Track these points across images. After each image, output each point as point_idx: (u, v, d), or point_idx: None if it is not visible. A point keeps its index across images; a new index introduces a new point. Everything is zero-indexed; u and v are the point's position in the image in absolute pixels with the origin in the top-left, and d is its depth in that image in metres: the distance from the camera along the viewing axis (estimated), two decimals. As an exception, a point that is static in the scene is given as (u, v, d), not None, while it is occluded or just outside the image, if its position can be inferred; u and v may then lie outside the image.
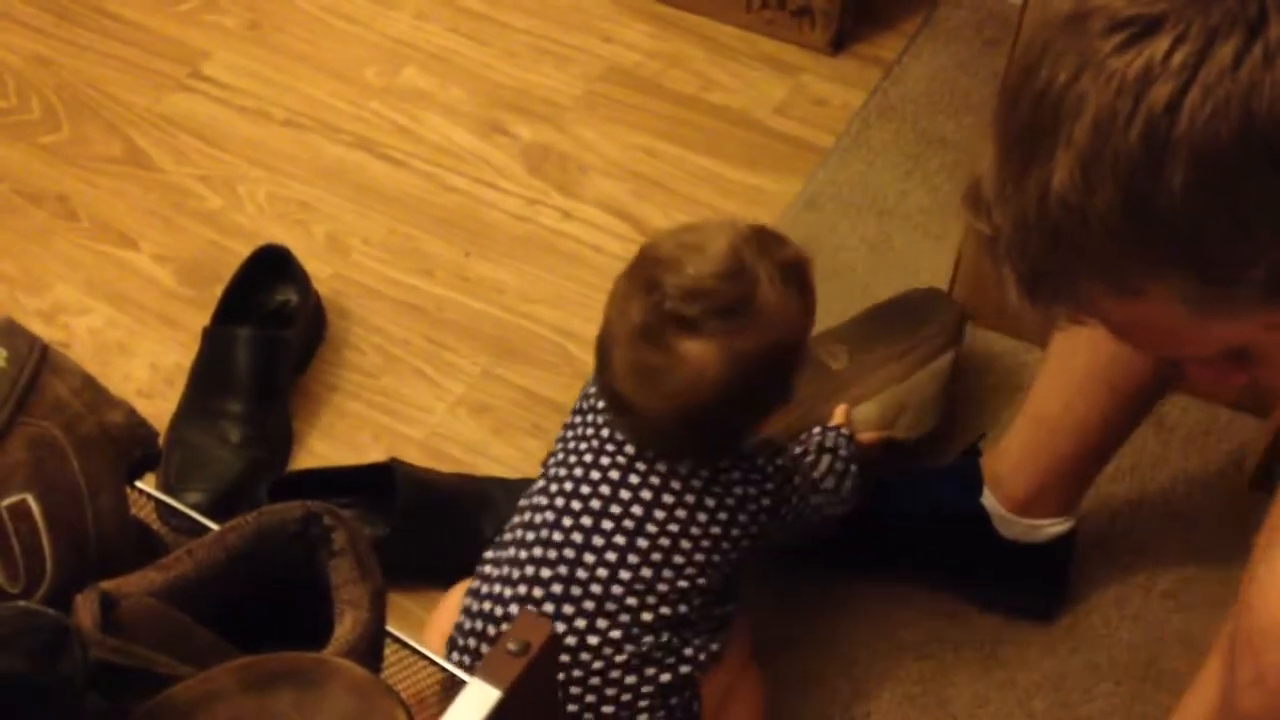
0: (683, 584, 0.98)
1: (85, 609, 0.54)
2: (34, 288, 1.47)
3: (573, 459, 1.02)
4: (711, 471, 1.01)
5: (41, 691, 0.49)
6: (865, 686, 1.20)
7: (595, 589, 0.95)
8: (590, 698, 0.92)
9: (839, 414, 1.20)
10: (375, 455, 1.32)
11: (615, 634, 0.94)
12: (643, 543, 0.97)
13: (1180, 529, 1.29)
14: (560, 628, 0.90)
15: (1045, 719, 1.18)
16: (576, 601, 0.94)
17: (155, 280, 1.48)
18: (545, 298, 1.47)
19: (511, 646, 0.54)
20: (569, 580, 0.96)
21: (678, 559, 0.98)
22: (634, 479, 1.00)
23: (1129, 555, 1.27)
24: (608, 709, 0.93)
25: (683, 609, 0.98)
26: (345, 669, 0.53)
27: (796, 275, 1.02)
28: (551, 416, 1.35)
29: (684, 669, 0.98)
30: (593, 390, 1.06)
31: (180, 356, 1.38)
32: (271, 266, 1.39)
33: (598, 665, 0.93)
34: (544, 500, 1.03)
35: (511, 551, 1.01)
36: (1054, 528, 1.18)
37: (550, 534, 0.99)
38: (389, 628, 0.63)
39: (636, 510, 0.98)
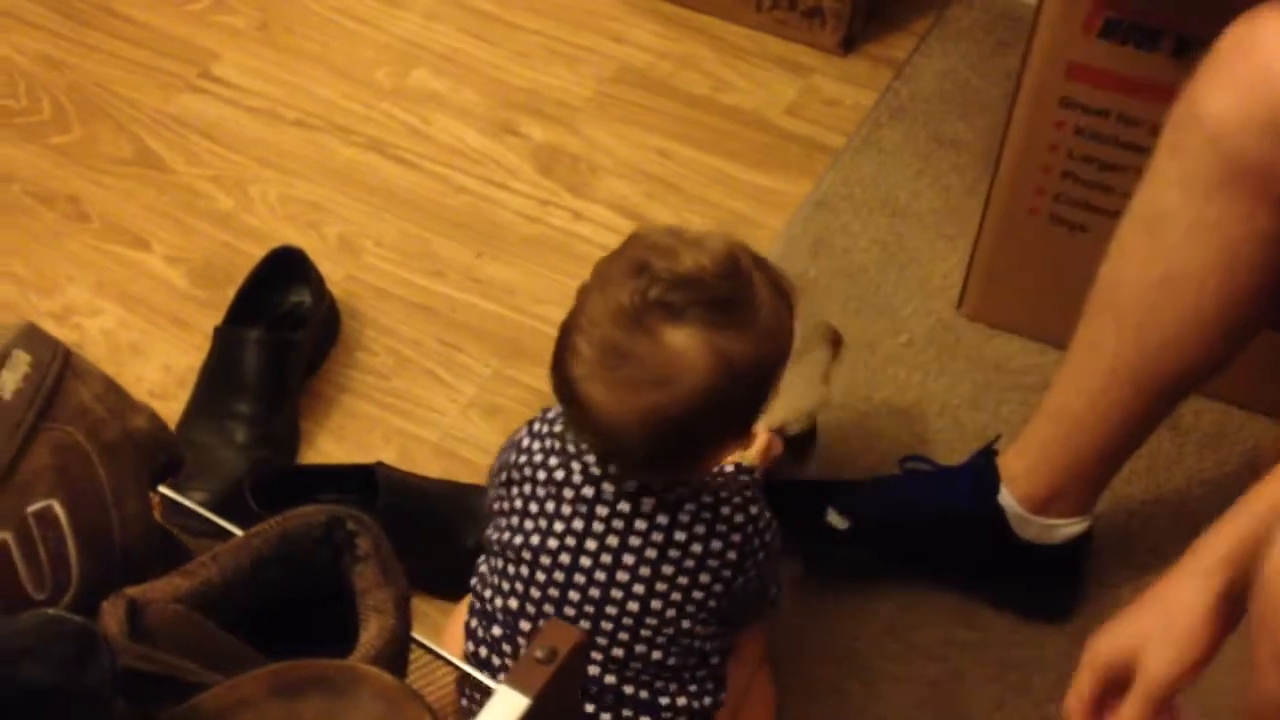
0: (656, 655, 0.91)
1: (112, 616, 0.54)
2: (45, 289, 1.47)
3: (529, 527, 0.94)
4: (671, 519, 0.94)
5: (69, 700, 0.48)
6: (878, 689, 1.20)
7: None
8: None
9: (759, 441, 1.12)
10: (386, 457, 1.32)
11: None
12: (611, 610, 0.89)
13: (1195, 530, 1.27)
14: None
15: (1024, 668, 1.18)
16: None
17: (167, 281, 1.48)
18: (557, 299, 1.46)
19: (539, 654, 0.54)
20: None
21: (645, 631, 0.91)
22: (591, 544, 0.92)
23: (1144, 555, 1.27)
24: None
25: (663, 673, 0.93)
26: (373, 676, 0.53)
27: (786, 296, 0.95)
28: (564, 418, 1.35)
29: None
30: (522, 459, 0.99)
31: (192, 358, 1.38)
32: (286, 268, 1.39)
33: None
34: (507, 586, 0.94)
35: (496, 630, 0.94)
36: (1070, 528, 1.18)
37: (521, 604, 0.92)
38: (414, 633, 0.63)
39: (600, 576, 0.91)
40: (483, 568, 1.02)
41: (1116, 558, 1.26)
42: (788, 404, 1.16)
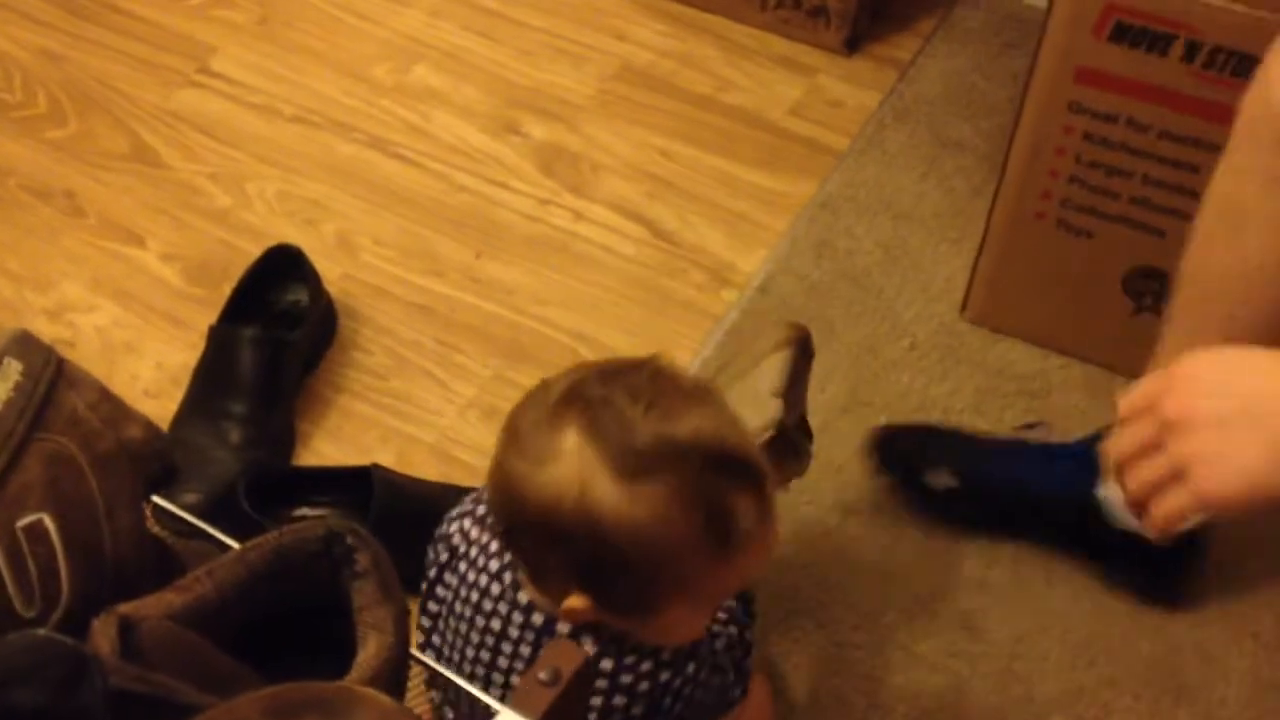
0: None
1: (103, 635, 0.52)
2: (40, 285, 1.45)
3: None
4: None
5: (61, 724, 0.47)
6: (879, 699, 1.19)
7: None
8: None
9: None
10: (383, 458, 1.30)
11: None
12: None
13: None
14: None
15: (1026, 680, 1.17)
16: None
17: (162, 279, 1.46)
18: (557, 300, 1.45)
19: (543, 676, 0.53)
20: None
21: None
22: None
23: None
24: None
25: None
26: (371, 699, 0.51)
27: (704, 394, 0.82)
28: (564, 421, 1.34)
29: None
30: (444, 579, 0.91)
31: (187, 356, 1.36)
32: (283, 266, 1.38)
33: None
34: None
35: None
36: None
37: None
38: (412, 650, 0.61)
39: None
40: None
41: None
42: (750, 416, 1.01)
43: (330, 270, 1.44)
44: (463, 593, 0.84)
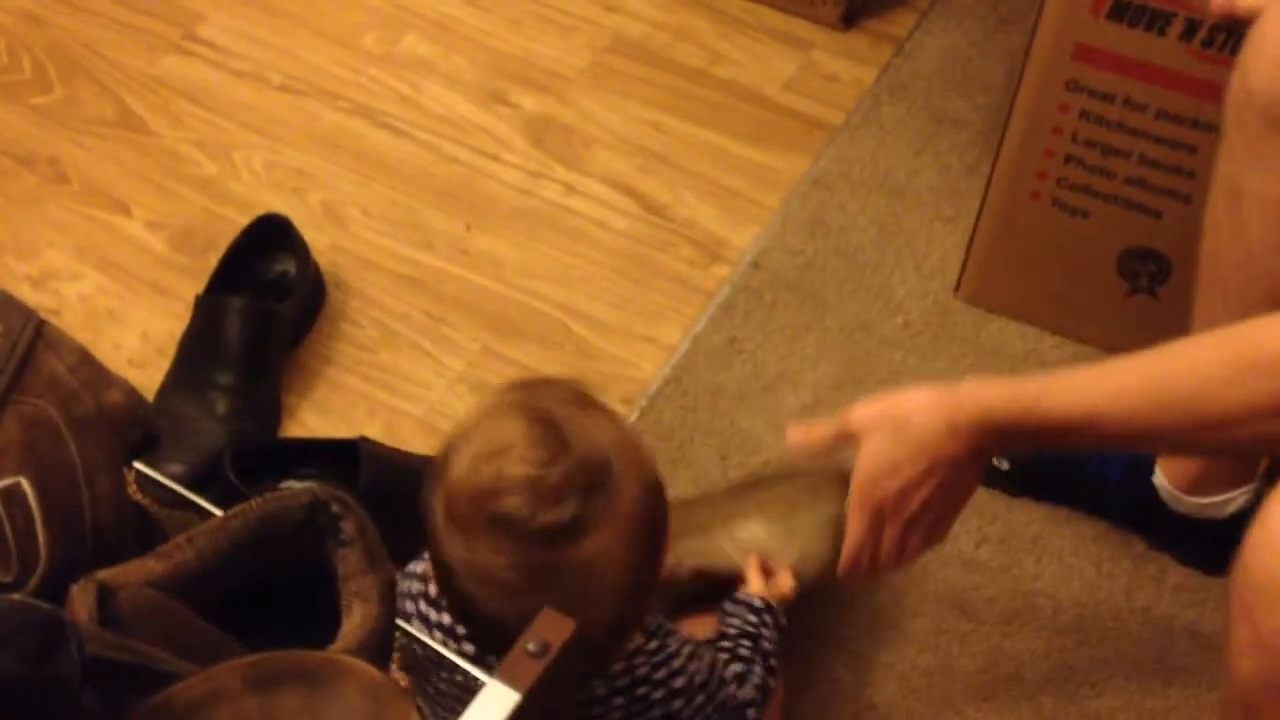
0: None
1: (81, 602, 0.51)
2: (24, 253, 1.43)
3: None
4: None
5: (36, 691, 0.46)
6: (868, 677, 1.18)
7: None
8: None
9: (753, 571, 1.06)
10: (371, 431, 1.29)
11: None
12: None
13: None
14: None
15: (1053, 714, 1.16)
16: None
17: (147, 247, 1.44)
18: (547, 273, 1.44)
19: (531, 647, 0.51)
20: None
21: None
22: None
23: (1140, 547, 1.25)
24: None
25: None
26: (356, 669, 0.50)
27: (589, 400, 0.83)
28: (553, 395, 1.33)
29: None
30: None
31: (172, 325, 1.35)
32: (271, 236, 1.36)
33: None
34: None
35: None
36: (1232, 503, 1.17)
37: None
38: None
39: None
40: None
41: (1112, 547, 1.25)
42: (799, 555, 1.10)
43: (318, 241, 1.42)
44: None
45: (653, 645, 0.85)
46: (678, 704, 0.85)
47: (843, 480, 1.13)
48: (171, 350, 1.32)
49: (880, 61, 1.61)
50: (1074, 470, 1.24)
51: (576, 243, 1.46)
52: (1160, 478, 1.18)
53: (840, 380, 1.36)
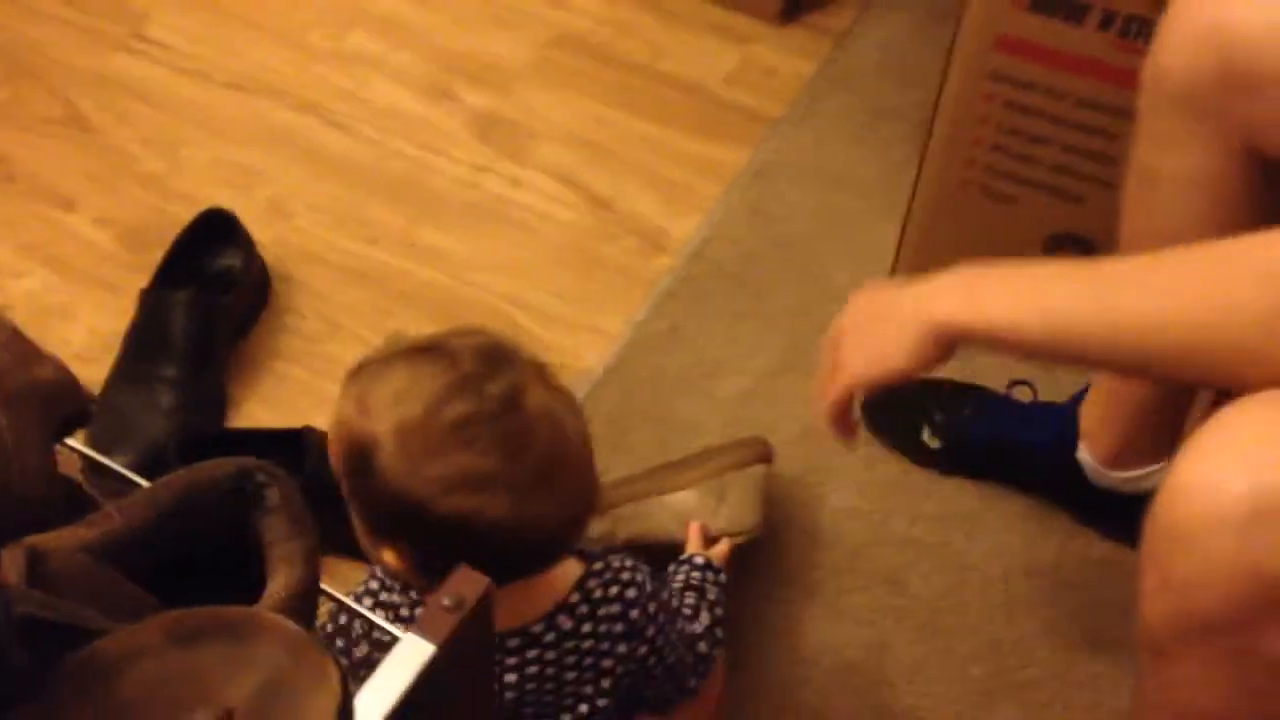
0: None
1: (11, 565, 0.53)
2: (-30, 250, 1.44)
3: None
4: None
5: (-37, 644, 0.48)
6: (804, 654, 1.21)
7: None
8: None
9: (694, 536, 1.14)
10: (318, 422, 1.30)
11: None
12: None
13: None
14: None
15: (983, 684, 1.20)
16: None
17: (94, 244, 1.46)
18: (493, 266, 1.46)
19: (446, 602, 0.54)
20: None
21: None
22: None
23: (1067, 521, 1.28)
24: None
25: None
26: (275, 624, 0.52)
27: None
28: (497, 384, 1.35)
29: None
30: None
31: (119, 321, 1.36)
32: (217, 230, 1.38)
33: None
34: None
35: None
36: (1153, 477, 1.19)
37: None
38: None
39: None
40: None
41: (1039, 521, 1.28)
42: (732, 514, 1.18)
43: (264, 236, 1.44)
44: None
45: (598, 566, 0.89)
46: (634, 613, 0.89)
47: (767, 452, 1.21)
48: (118, 346, 1.33)
49: (819, 55, 1.64)
50: (1003, 447, 1.28)
51: (522, 235, 1.49)
52: (1084, 453, 1.22)
53: (780, 367, 1.39)
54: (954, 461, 1.31)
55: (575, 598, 0.87)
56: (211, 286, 1.36)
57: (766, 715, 1.17)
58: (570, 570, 0.89)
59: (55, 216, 1.47)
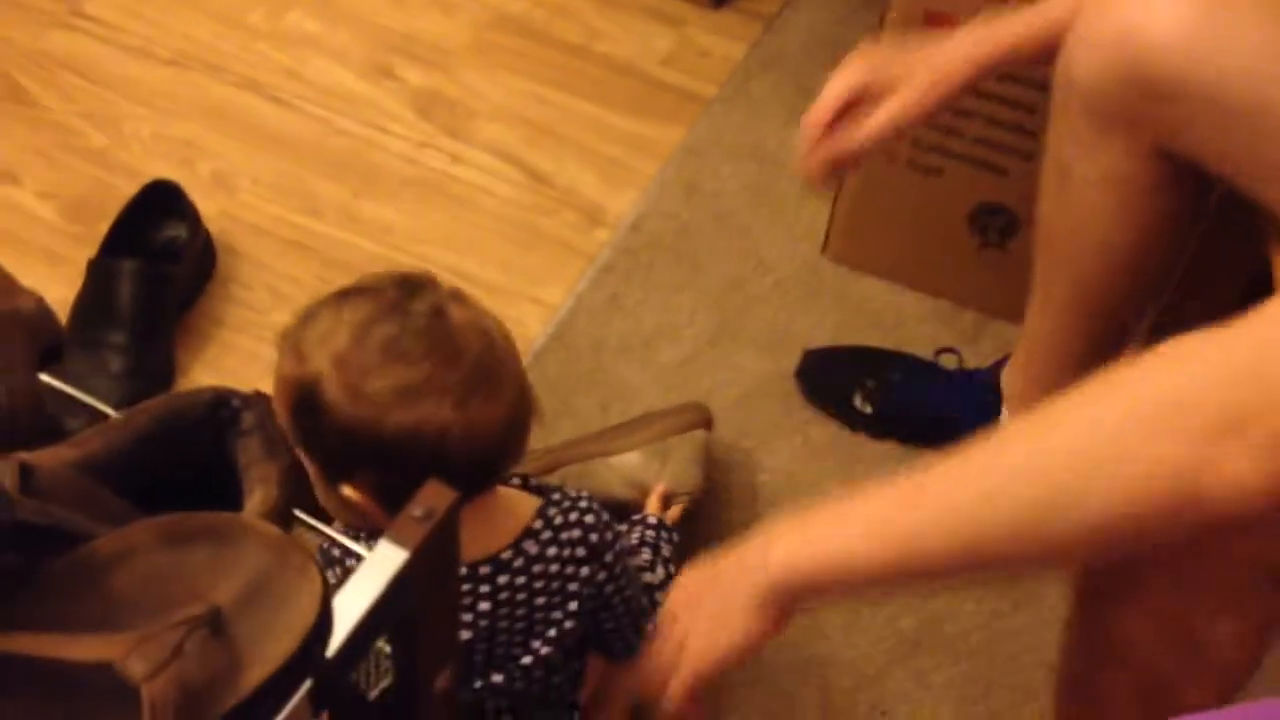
0: None
1: (5, 473, 0.56)
2: (-89, 222, 1.45)
3: None
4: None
5: (-35, 541, 0.50)
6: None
7: None
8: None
9: (653, 500, 1.19)
10: (266, 388, 1.33)
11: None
12: None
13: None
14: None
15: (912, 634, 1.25)
16: None
17: (39, 217, 1.46)
18: (435, 238, 1.49)
19: (417, 512, 0.57)
20: None
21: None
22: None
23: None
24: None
25: None
26: (259, 527, 0.56)
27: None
28: (441, 352, 1.38)
29: None
30: None
31: (66, 292, 1.37)
32: (161, 202, 1.39)
33: None
34: None
35: None
36: None
37: None
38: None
39: None
40: None
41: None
42: (676, 475, 1.22)
43: (208, 208, 1.45)
44: None
45: (555, 496, 0.93)
46: (594, 537, 0.93)
47: (706, 417, 1.26)
48: (65, 315, 1.34)
49: (750, 37, 1.69)
50: (928, 414, 1.33)
51: (464, 209, 1.52)
52: (1007, 418, 1.28)
53: (716, 335, 1.43)
54: (884, 426, 1.36)
55: (538, 524, 0.91)
56: (157, 258, 1.38)
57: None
58: (530, 502, 0.93)
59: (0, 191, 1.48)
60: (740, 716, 1.20)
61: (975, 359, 1.39)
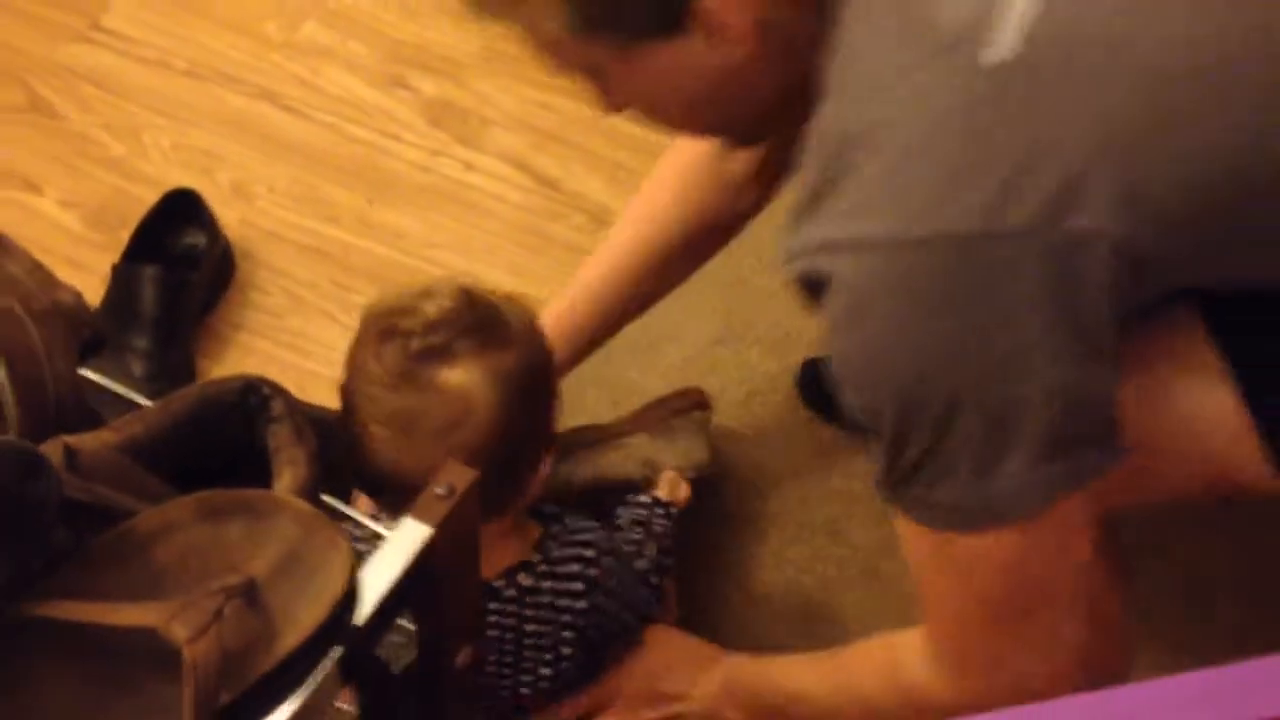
0: None
1: (52, 453, 0.59)
2: (-63, 232, 1.48)
3: None
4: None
5: (15, 509, 0.53)
6: (754, 594, 1.28)
7: None
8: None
9: (665, 481, 1.22)
10: (284, 390, 1.37)
11: None
12: None
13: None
14: None
15: (889, 579, 1.28)
16: None
17: (61, 225, 1.50)
18: (448, 244, 1.52)
19: (439, 490, 0.61)
20: None
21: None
22: None
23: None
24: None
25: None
26: (292, 503, 0.59)
27: (523, 307, 0.99)
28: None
29: None
30: None
31: (90, 298, 1.39)
32: (180, 210, 1.43)
33: None
34: None
35: None
36: None
37: None
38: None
39: None
40: None
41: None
42: (685, 452, 1.27)
43: (226, 216, 1.49)
44: None
45: (555, 529, 0.95)
46: (593, 571, 0.95)
47: (704, 399, 1.32)
48: (87, 320, 1.38)
49: (754, 45, 1.72)
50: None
51: (475, 215, 1.55)
52: None
53: (721, 334, 1.47)
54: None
55: (535, 558, 0.94)
56: (177, 265, 1.41)
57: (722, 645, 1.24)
58: (529, 532, 0.95)
59: (22, 199, 1.52)
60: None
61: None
